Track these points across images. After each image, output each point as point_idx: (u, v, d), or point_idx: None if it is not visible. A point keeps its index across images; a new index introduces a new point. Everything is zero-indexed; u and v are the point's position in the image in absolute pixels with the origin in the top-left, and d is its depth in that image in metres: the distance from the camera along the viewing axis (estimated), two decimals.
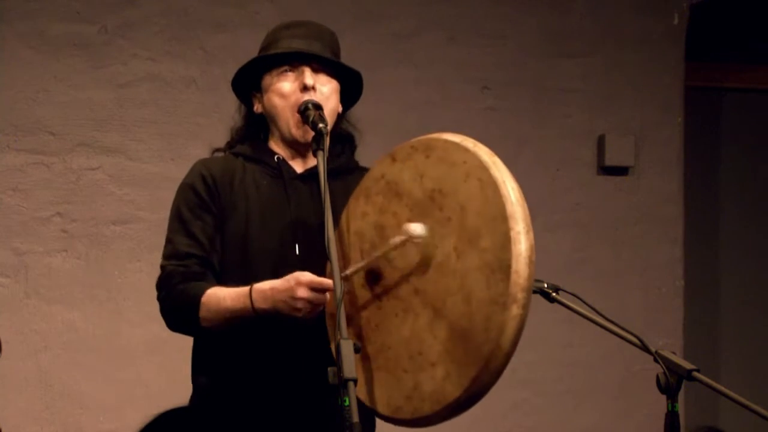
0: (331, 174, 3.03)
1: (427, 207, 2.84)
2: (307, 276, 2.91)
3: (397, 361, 2.84)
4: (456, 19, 5.36)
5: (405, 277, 2.86)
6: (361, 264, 2.92)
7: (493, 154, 2.82)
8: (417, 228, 2.83)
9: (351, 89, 3.25)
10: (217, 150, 3.27)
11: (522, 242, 2.69)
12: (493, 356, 2.67)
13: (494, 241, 2.70)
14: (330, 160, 3.10)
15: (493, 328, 2.67)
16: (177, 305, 3.07)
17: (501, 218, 2.70)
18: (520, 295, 2.66)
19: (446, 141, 2.88)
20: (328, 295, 2.89)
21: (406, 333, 2.83)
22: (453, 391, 2.73)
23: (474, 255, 2.73)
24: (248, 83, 3.24)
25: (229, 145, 3.26)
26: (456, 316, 2.74)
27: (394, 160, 2.95)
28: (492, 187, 2.74)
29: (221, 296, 3.03)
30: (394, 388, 2.84)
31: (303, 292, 2.90)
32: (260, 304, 2.97)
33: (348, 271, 2.92)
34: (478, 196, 2.75)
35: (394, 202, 2.91)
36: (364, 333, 2.92)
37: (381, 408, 2.88)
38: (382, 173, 2.97)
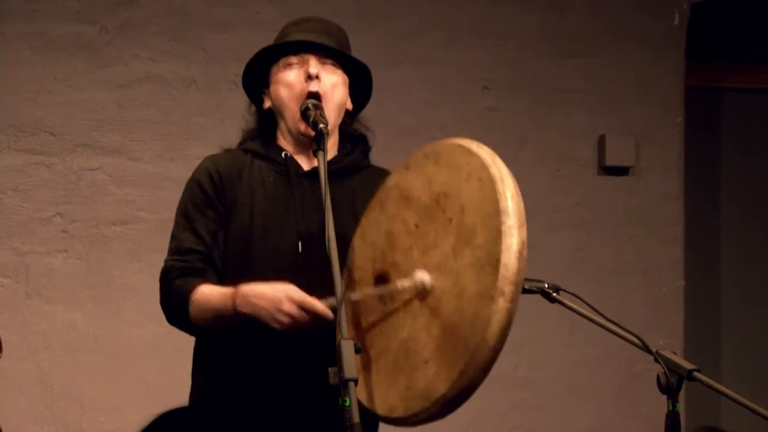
0: (339, 173, 3.03)
1: (433, 211, 2.85)
2: (298, 293, 2.90)
3: (395, 362, 2.85)
4: (456, 19, 5.35)
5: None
6: (354, 296, 2.94)
7: (494, 154, 2.81)
8: (424, 277, 2.82)
9: (361, 88, 3.24)
10: (228, 150, 3.26)
11: (514, 236, 2.67)
12: (479, 350, 2.65)
13: (487, 237, 2.69)
14: (339, 159, 3.11)
15: (480, 322, 2.65)
16: (171, 300, 3.08)
17: (494, 213, 2.70)
18: (508, 289, 2.64)
19: (451, 145, 2.89)
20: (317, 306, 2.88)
21: (405, 335, 2.84)
22: (441, 387, 2.72)
23: (468, 252, 2.73)
24: (258, 80, 3.22)
25: (240, 145, 3.25)
26: (448, 313, 2.74)
27: (407, 168, 2.96)
28: (489, 184, 2.74)
29: (208, 295, 3.02)
30: (391, 388, 2.85)
31: (289, 307, 2.89)
32: (242, 308, 2.96)
33: (353, 296, 2.94)
34: (477, 195, 2.75)
35: (404, 209, 2.92)
36: (370, 338, 2.91)
37: (378, 408, 2.88)
38: (395, 182, 2.98)
